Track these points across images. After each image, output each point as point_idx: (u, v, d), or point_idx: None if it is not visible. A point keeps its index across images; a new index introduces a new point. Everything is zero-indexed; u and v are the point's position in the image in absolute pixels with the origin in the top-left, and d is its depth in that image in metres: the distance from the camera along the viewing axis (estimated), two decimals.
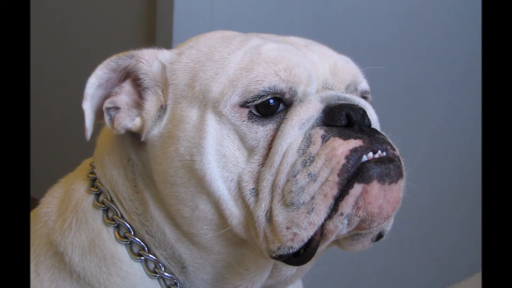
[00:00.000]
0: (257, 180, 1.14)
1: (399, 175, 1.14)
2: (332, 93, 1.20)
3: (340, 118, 1.14)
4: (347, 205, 1.09)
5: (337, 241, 1.20)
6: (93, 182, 1.30)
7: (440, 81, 3.01)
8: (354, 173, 1.09)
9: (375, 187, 1.10)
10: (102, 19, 2.59)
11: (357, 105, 1.16)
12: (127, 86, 1.25)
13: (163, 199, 1.22)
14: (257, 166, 1.15)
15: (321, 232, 1.11)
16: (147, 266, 1.26)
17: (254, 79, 1.16)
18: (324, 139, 1.12)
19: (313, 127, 1.14)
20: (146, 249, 1.25)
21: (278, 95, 1.16)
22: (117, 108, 1.23)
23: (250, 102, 1.15)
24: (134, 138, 1.25)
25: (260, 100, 1.15)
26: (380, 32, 2.71)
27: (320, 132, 1.13)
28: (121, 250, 1.25)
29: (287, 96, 1.17)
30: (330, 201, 1.09)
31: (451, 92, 3.07)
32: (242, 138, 1.16)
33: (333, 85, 1.23)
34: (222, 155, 1.15)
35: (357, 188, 1.09)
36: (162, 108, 1.22)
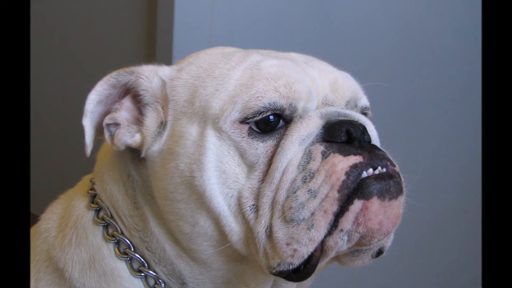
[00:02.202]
0: (257, 196, 1.14)
1: (399, 191, 1.14)
2: (332, 109, 1.20)
3: (340, 134, 1.14)
4: (347, 221, 1.09)
5: (337, 257, 1.20)
6: (93, 198, 1.30)
7: (439, 97, 3.01)
8: (354, 189, 1.09)
9: (375, 203, 1.09)
10: (102, 35, 2.60)
11: (357, 121, 1.17)
12: (127, 102, 1.25)
13: (163, 215, 1.22)
14: (257, 182, 1.14)
15: (321, 248, 1.11)
16: (147, 283, 1.25)
17: (254, 95, 1.16)
18: (324, 155, 1.12)
19: (313, 143, 1.14)
20: (146, 265, 1.25)
21: (278, 111, 1.16)
22: (117, 124, 1.23)
23: (250, 118, 1.15)
24: (134, 154, 1.25)
25: (260, 116, 1.15)
26: (380, 48, 2.72)
27: (320, 148, 1.13)
28: (121, 266, 1.25)
29: (287, 112, 1.17)
30: (330, 217, 1.09)
31: (451, 108, 3.08)
32: (242, 154, 1.16)
33: (333, 101, 1.23)
34: (222, 171, 1.15)
35: (357, 204, 1.09)
36: (162, 124, 1.22)
